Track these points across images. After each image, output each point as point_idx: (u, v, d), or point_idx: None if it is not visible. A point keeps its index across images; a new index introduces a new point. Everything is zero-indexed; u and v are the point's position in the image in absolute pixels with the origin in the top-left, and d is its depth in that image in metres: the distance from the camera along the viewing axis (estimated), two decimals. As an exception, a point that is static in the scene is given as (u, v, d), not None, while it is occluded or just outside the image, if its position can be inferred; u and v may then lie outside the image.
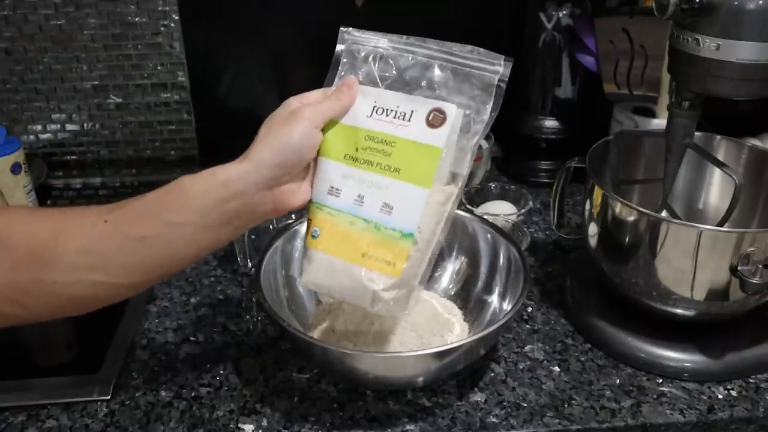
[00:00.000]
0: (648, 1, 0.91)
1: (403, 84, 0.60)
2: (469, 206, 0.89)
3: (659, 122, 0.91)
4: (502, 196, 0.95)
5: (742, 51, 0.59)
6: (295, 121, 0.56)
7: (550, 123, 1.06)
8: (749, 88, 0.61)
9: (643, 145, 0.83)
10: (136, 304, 0.78)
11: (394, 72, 0.60)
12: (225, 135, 0.96)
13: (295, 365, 0.71)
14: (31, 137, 1.14)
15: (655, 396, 0.68)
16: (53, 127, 1.13)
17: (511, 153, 1.13)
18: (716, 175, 0.82)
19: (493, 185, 0.96)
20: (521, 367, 0.71)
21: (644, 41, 0.91)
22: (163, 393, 0.68)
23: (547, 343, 0.75)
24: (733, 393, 0.68)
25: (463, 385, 0.69)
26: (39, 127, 1.13)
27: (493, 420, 0.65)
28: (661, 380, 0.70)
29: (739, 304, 0.68)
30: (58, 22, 1.06)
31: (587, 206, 0.75)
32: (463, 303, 0.76)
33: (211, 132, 1.14)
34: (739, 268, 0.64)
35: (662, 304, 0.70)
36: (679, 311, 0.70)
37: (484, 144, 1.03)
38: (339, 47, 0.63)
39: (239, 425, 0.64)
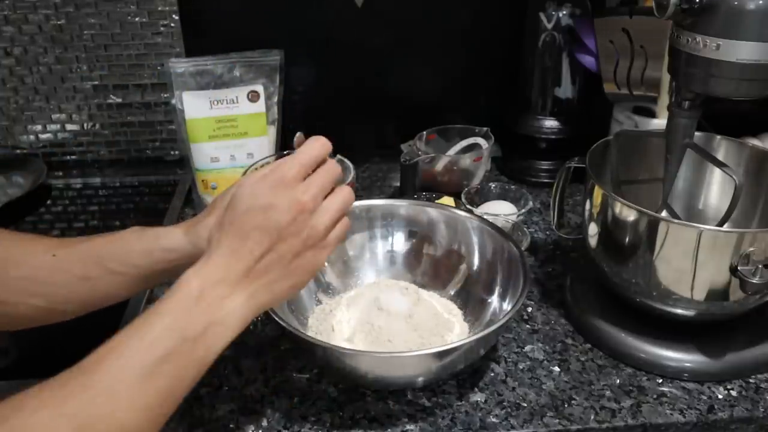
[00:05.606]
0: (648, 1, 0.91)
1: (223, 84, 0.93)
2: (469, 206, 0.89)
3: (659, 122, 0.91)
4: (502, 196, 0.94)
5: (742, 51, 0.59)
6: None
7: (550, 123, 1.06)
8: (749, 88, 0.61)
9: (643, 145, 0.83)
10: (136, 305, 0.78)
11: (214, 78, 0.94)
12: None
13: (295, 365, 0.71)
14: (31, 137, 1.14)
15: (655, 396, 0.68)
16: (53, 127, 1.13)
17: (511, 153, 1.13)
18: (716, 175, 0.82)
19: (493, 185, 0.96)
20: (521, 367, 0.71)
21: (644, 41, 0.91)
22: (163, 393, 0.68)
23: (547, 343, 0.75)
24: (733, 393, 0.68)
25: (463, 385, 0.69)
26: (39, 127, 1.13)
27: (493, 420, 0.65)
28: (661, 380, 0.70)
29: (739, 304, 0.68)
30: (58, 22, 1.06)
31: (587, 206, 0.75)
32: (463, 303, 0.76)
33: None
34: (739, 268, 0.64)
35: (662, 304, 0.70)
36: (679, 311, 0.70)
37: (484, 144, 1.03)
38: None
39: (239, 425, 0.64)
